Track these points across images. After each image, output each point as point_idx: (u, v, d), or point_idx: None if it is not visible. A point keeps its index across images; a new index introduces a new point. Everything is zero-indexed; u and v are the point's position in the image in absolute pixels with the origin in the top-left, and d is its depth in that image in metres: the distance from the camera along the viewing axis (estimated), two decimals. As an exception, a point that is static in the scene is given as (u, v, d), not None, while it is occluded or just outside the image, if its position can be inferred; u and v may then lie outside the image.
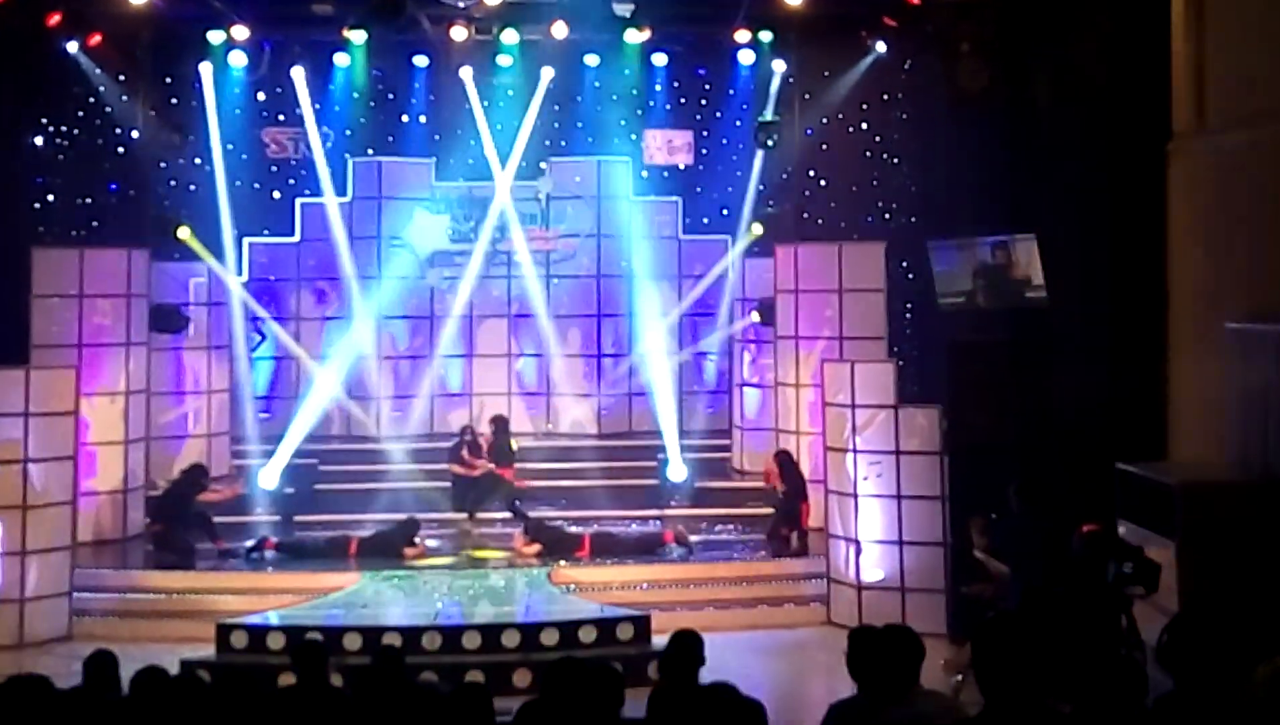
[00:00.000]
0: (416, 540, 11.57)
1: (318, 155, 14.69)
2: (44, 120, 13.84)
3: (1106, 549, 7.64)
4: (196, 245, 13.57)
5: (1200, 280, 10.47)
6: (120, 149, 14.19)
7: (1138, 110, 11.20)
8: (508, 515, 12.49)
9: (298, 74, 14.50)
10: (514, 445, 12.96)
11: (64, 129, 14.01)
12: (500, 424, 13.05)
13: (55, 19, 13.08)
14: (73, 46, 13.51)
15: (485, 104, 15.00)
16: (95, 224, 13.79)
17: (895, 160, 14.42)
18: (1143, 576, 7.39)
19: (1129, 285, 11.03)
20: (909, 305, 13.63)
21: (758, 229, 13.93)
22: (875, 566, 10.28)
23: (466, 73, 14.72)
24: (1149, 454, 9.82)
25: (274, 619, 9.52)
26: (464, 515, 12.62)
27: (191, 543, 11.38)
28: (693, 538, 11.70)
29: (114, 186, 14.14)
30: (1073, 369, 11.29)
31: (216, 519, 11.66)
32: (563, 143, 15.42)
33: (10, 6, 12.28)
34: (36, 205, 13.70)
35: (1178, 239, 10.81)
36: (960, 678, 7.74)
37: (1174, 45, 11.05)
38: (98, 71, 13.81)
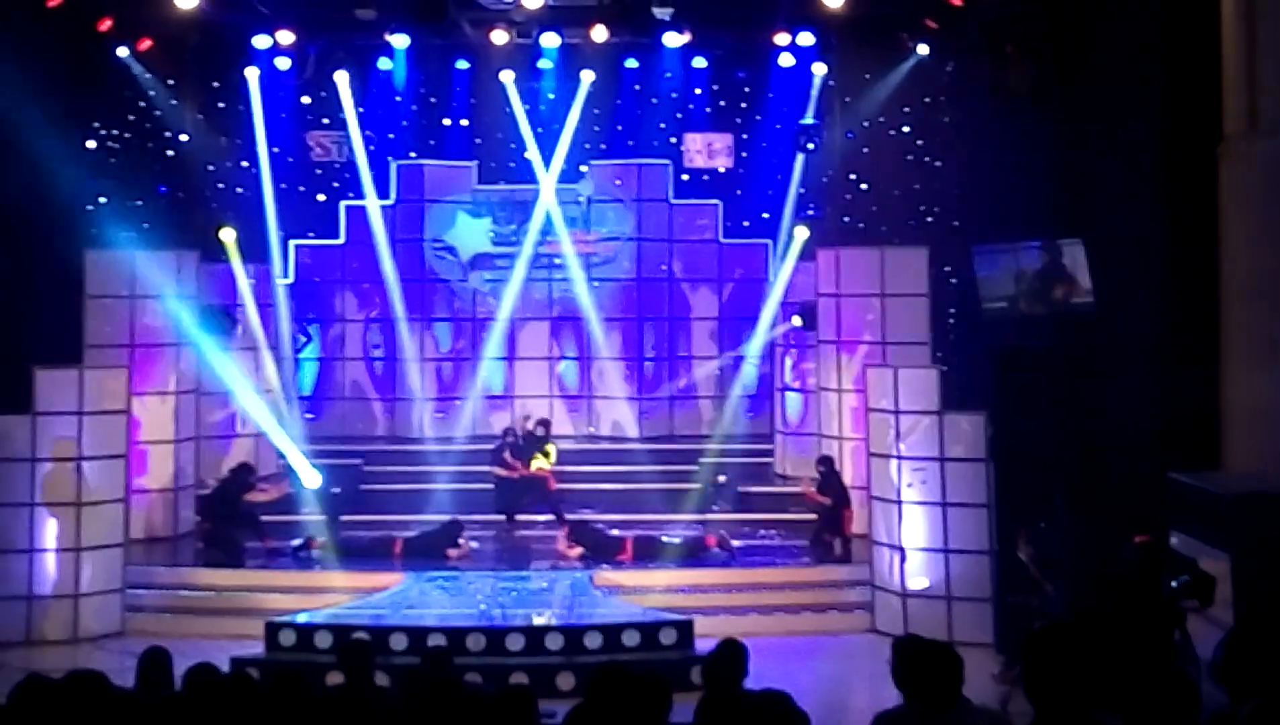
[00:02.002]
0: (460, 541, 11.66)
1: (360, 159, 14.83)
2: (96, 124, 14.09)
3: (1160, 561, 7.53)
4: (233, 250, 13.72)
5: (1254, 285, 10.30)
6: (169, 152, 14.43)
7: (1188, 113, 11.04)
8: (549, 517, 12.53)
9: (341, 78, 14.68)
10: (548, 450, 13.02)
11: (115, 133, 14.27)
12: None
13: (106, 25, 13.33)
14: (123, 52, 13.77)
15: (526, 107, 15.11)
16: (145, 226, 14.03)
17: (938, 163, 14.32)
18: (1198, 590, 7.27)
19: (1180, 290, 10.87)
20: (953, 310, 13.52)
21: (802, 232, 13.82)
22: (920, 574, 10.21)
23: (507, 76, 14.81)
24: (1201, 464, 9.67)
25: (321, 618, 9.62)
26: (504, 517, 12.70)
27: (240, 541, 11.54)
28: (735, 542, 11.68)
29: (163, 189, 14.38)
30: (1123, 376, 11.14)
31: (264, 518, 11.82)
32: (603, 146, 15.46)
33: (63, 12, 12.53)
34: (89, 208, 13.95)
35: (1230, 243, 10.63)
36: (1009, 689, 7.66)
37: (1224, 48, 10.87)
38: (147, 76, 14.07)
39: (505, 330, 15.29)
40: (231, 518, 11.61)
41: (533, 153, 14.92)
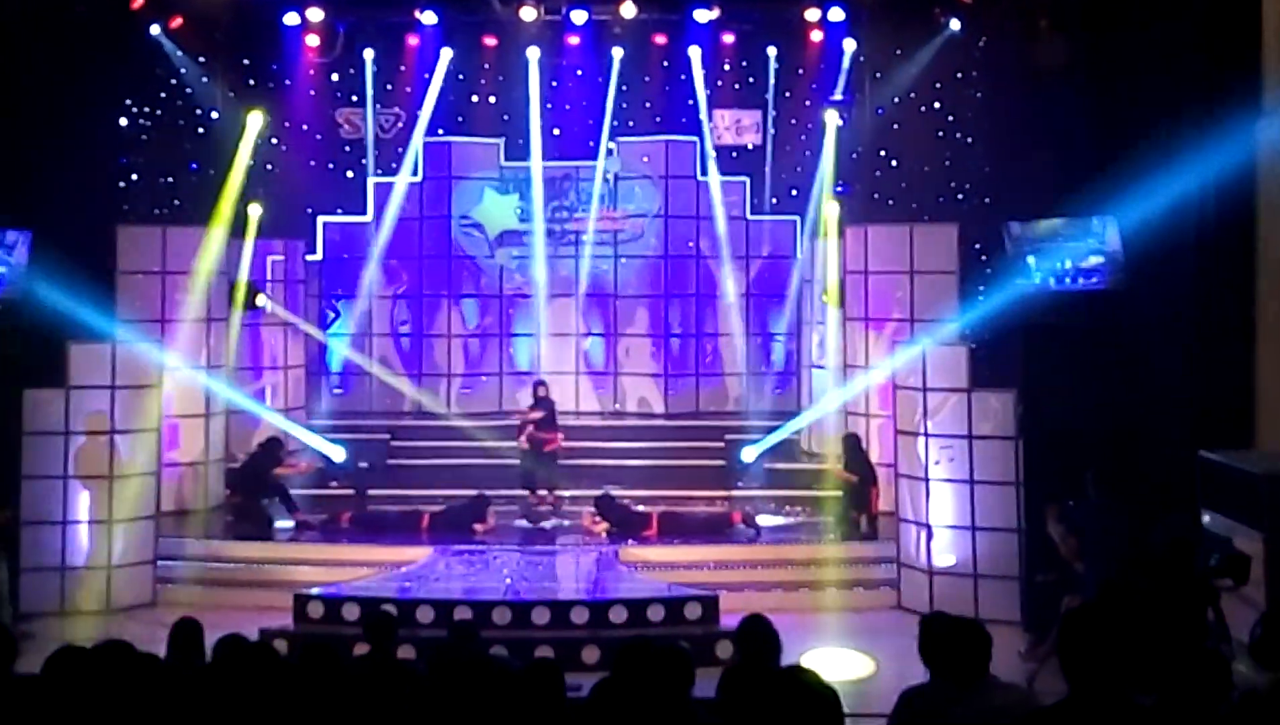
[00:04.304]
0: (486, 516, 11.73)
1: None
2: (128, 101, 14.21)
3: (1192, 540, 7.46)
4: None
5: (1290, 262, 10.13)
6: (200, 129, 14.52)
7: (1226, 88, 10.82)
8: (573, 492, 12.58)
9: (370, 55, 14.72)
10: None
11: (147, 110, 14.38)
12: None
13: (139, 3, 13.39)
14: (155, 29, 13.84)
15: (554, 84, 15.10)
16: (177, 202, 14.13)
17: (969, 140, 14.18)
18: (1232, 569, 7.20)
19: (1215, 267, 10.70)
20: (983, 288, 13.39)
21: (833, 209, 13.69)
22: (947, 552, 10.16)
23: (533, 53, 14.78)
24: (1234, 442, 9.53)
25: (349, 591, 9.70)
26: (528, 492, 12.74)
27: (269, 514, 11.65)
28: (760, 519, 11.67)
29: (194, 166, 14.48)
30: (1154, 353, 11.00)
31: (294, 492, 11.92)
32: (630, 123, 15.41)
33: (97, -9, 12.61)
34: (121, 184, 14.07)
35: (1267, 220, 10.45)
36: (1036, 667, 7.64)
37: (1265, 21, 10.65)
38: (179, 54, 14.14)
39: (532, 306, 15.35)
40: (260, 491, 11.72)
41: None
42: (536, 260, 15.16)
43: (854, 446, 11.71)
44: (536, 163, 15.05)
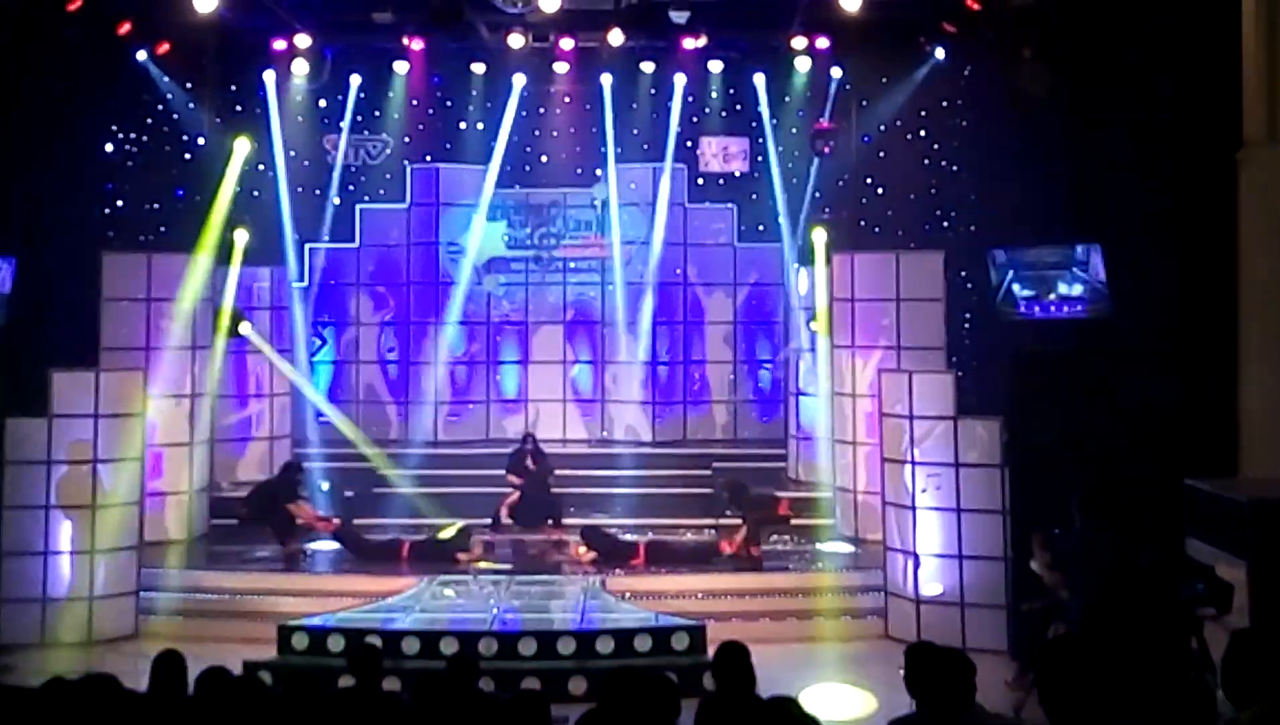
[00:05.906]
0: (470, 546, 11.66)
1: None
2: (114, 127, 14.18)
3: (1176, 568, 7.47)
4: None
5: (1273, 290, 10.22)
6: (187, 155, 14.51)
7: (1207, 117, 10.96)
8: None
9: (356, 81, 14.77)
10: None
11: (133, 136, 14.35)
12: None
13: (125, 28, 13.41)
14: (142, 55, 13.86)
15: (541, 111, 15.17)
16: (163, 229, 14.10)
17: (954, 168, 14.28)
18: (1215, 597, 7.21)
19: (1198, 295, 10.79)
20: (968, 315, 13.45)
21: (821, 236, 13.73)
22: (934, 580, 10.15)
23: (518, 80, 14.85)
24: (1219, 470, 9.58)
25: (334, 621, 9.62)
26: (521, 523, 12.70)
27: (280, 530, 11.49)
28: (753, 549, 11.60)
29: (180, 192, 14.45)
30: (1140, 381, 11.07)
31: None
32: (619, 150, 15.47)
33: (82, 15, 12.61)
34: (106, 210, 14.03)
35: (1249, 248, 10.55)
36: (1023, 695, 7.61)
37: (1245, 50, 10.78)
38: (165, 80, 14.14)
39: (519, 333, 15.34)
40: (270, 518, 11.57)
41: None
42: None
43: (738, 492, 11.59)
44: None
